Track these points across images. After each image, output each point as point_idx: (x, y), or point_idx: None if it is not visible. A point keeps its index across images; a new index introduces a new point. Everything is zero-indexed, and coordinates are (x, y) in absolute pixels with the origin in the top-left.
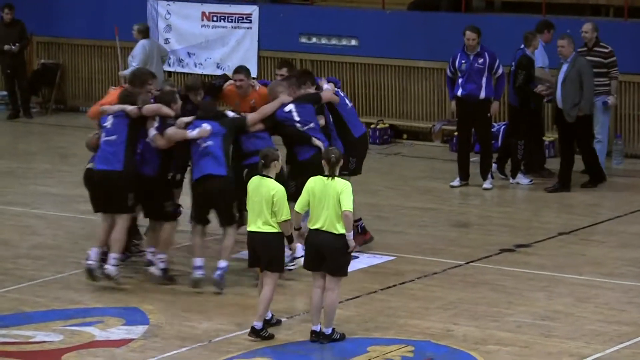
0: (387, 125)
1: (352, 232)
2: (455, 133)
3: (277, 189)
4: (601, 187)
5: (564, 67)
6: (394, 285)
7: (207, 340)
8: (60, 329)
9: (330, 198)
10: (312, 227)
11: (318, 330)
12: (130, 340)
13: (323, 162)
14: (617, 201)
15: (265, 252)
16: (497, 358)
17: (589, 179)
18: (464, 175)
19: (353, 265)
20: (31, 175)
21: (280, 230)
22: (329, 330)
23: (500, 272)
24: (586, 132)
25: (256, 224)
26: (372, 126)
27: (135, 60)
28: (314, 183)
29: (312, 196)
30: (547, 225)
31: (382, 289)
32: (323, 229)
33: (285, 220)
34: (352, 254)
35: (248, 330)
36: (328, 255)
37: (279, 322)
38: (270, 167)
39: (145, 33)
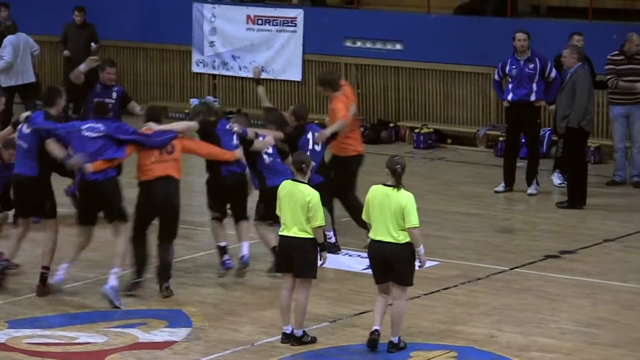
0: (431, 130)
1: (422, 247)
2: (501, 138)
3: (312, 195)
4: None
5: (567, 78)
6: (437, 291)
7: (250, 344)
8: (104, 331)
9: (392, 209)
10: (374, 239)
11: (396, 341)
12: (173, 342)
13: (387, 171)
14: None
15: (300, 258)
16: None
17: (567, 199)
18: (509, 180)
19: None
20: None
21: (314, 236)
22: (397, 339)
23: (544, 279)
24: (574, 147)
25: (291, 229)
26: (416, 131)
27: (5, 55)
28: (374, 193)
29: (371, 207)
30: (592, 232)
31: (425, 294)
32: (386, 240)
33: (319, 226)
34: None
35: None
36: (395, 265)
37: None
38: (304, 172)
39: (13, 29)
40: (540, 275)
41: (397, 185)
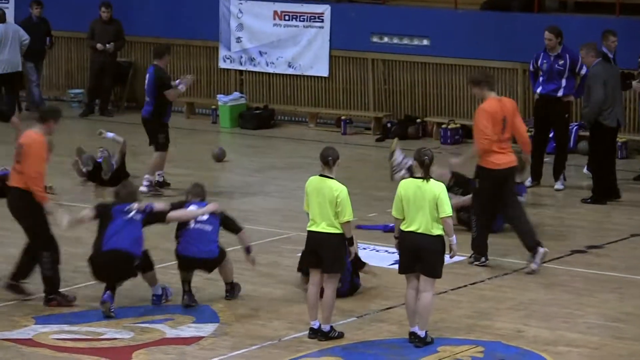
0: (458, 125)
1: (455, 237)
2: (528, 133)
3: (340, 189)
4: None
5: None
6: (464, 286)
7: (277, 339)
8: (131, 326)
9: (425, 201)
10: (406, 230)
11: (416, 331)
12: (200, 338)
13: (415, 163)
14: None
15: (329, 253)
16: (569, 359)
17: (591, 195)
18: (537, 175)
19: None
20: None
21: (342, 232)
22: (424, 333)
23: (571, 274)
24: (595, 143)
25: (319, 224)
26: (443, 126)
27: None
28: (406, 186)
29: (405, 200)
30: (619, 227)
31: (452, 289)
32: (419, 231)
33: (348, 221)
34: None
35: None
36: (425, 256)
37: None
38: (332, 167)
39: (2, 19)
40: (567, 270)
41: (426, 176)
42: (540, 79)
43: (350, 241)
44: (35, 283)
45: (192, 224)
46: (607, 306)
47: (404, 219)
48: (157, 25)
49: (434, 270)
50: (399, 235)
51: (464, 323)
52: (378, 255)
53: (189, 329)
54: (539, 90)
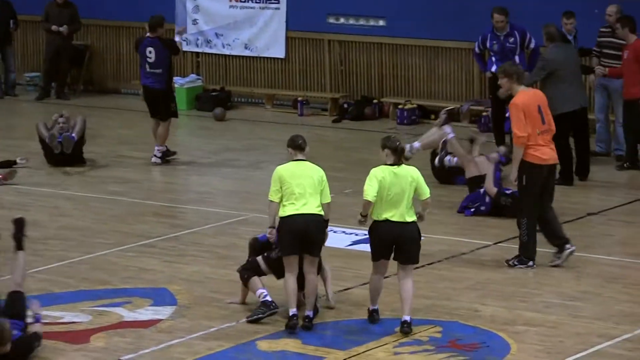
0: (414, 105)
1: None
2: (484, 113)
3: (322, 170)
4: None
5: None
6: (422, 266)
7: (235, 321)
8: (89, 310)
9: (404, 187)
10: (382, 218)
11: (406, 319)
12: (158, 320)
13: (387, 151)
14: None
15: (321, 236)
16: (525, 338)
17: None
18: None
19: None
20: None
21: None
22: (409, 318)
23: None
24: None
25: (310, 206)
26: (400, 107)
27: None
28: (382, 175)
29: (382, 188)
30: (575, 206)
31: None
32: (394, 219)
33: (329, 202)
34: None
35: (281, 309)
36: (403, 245)
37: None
38: (304, 150)
39: None
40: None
41: (399, 162)
42: (493, 58)
43: (327, 223)
44: None
45: None
46: (564, 285)
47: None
48: (113, 8)
49: (414, 257)
50: (373, 225)
51: (422, 303)
52: (336, 237)
53: (147, 312)
54: (493, 69)
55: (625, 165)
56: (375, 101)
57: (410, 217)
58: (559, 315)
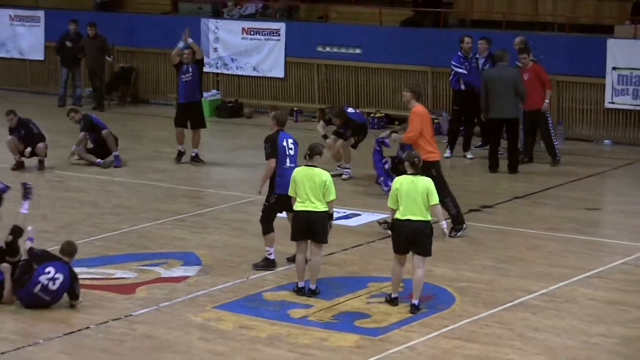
0: (382, 114)
1: (445, 222)
2: (436, 120)
3: (327, 175)
4: (544, 161)
5: None
6: (389, 237)
7: (245, 278)
8: (135, 268)
9: (418, 193)
10: (403, 218)
11: (417, 303)
12: (187, 277)
13: (407, 164)
14: (560, 173)
15: (321, 227)
16: (467, 292)
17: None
18: (453, 147)
19: (358, 221)
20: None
21: (327, 209)
22: (418, 302)
23: (469, 227)
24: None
25: (311, 204)
26: (372, 115)
27: None
28: (401, 182)
29: (399, 193)
30: (505, 191)
31: (379, 239)
32: (415, 219)
33: (332, 200)
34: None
35: (280, 269)
36: (419, 240)
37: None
38: (314, 159)
39: None
40: (466, 224)
41: (417, 172)
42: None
43: (331, 216)
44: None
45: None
46: (496, 252)
47: (397, 209)
48: (152, 38)
49: (427, 250)
50: (396, 223)
51: (388, 265)
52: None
53: (179, 270)
54: (462, 87)
55: (524, 159)
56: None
57: (425, 217)
58: (492, 275)
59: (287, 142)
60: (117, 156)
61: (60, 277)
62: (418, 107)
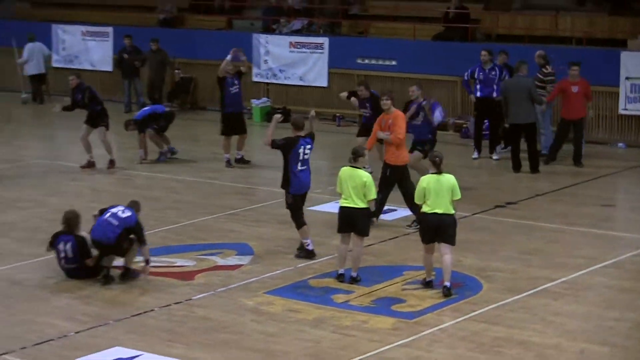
0: None
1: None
2: (464, 125)
3: (367, 177)
4: (565, 163)
5: None
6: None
7: (293, 266)
8: (194, 257)
9: (444, 189)
10: (431, 212)
11: (449, 285)
12: (241, 265)
13: (429, 162)
14: (577, 172)
15: (361, 222)
16: (493, 280)
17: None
18: (480, 149)
19: (394, 215)
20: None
21: (368, 206)
22: (449, 284)
23: (495, 221)
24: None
25: (353, 202)
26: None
27: (23, 56)
28: (428, 180)
29: (427, 190)
30: (527, 189)
31: (413, 233)
32: (441, 212)
33: (373, 199)
34: None
35: (323, 259)
36: (446, 230)
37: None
38: (357, 161)
39: (32, 39)
40: (492, 219)
41: (440, 171)
42: (478, 86)
43: (372, 213)
44: None
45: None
46: (520, 244)
47: (422, 204)
48: (211, 52)
49: (453, 239)
50: (423, 216)
51: (421, 256)
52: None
53: (233, 259)
54: (478, 94)
55: (549, 160)
56: None
57: (450, 211)
58: (515, 265)
59: (304, 149)
60: (164, 152)
61: (128, 212)
62: (399, 111)
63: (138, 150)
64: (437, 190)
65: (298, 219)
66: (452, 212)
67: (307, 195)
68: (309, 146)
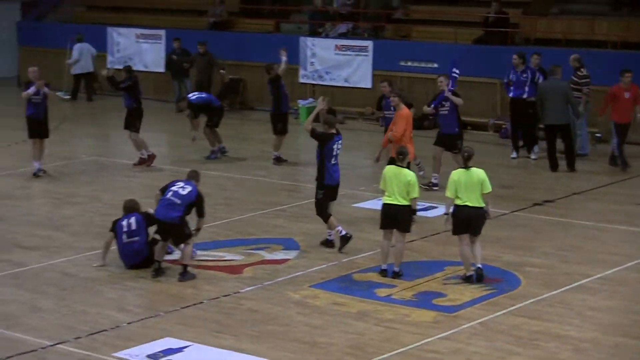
0: None
1: (489, 206)
2: (504, 126)
3: (412, 175)
4: (600, 161)
5: None
6: None
7: (337, 261)
8: (242, 252)
9: (474, 183)
10: (462, 204)
11: (473, 271)
12: (287, 259)
13: (460, 156)
14: (613, 172)
15: (404, 218)
16: (531, 276)
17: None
18: (517, 149)
19: (435, 212)
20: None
21: (410, 204)
22: (481, 265)
23: (533, 219)
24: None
25: (396, 199)
26: None
27: (73, 56)
28: (459, 174)
29: (458, 184)
30: (564, 188)
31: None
32: (471, 205)
33: (415, 198)
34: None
35: (367, 254)
36: (475, 222)
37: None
38: (403, 161)
39: (80, 39)
40: (530, 217)
41: (468, 165)
42: (512, 87)
43: (414, 211)
44: None
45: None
46: (557, 240)
47: (454, 198)
48: (259, 54)
49: (480, 230)
50: (456, 209)
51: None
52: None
53: (280, 254)
54: (511, 95)
55: (624, 166)
56: (430, 117)
57: (480, 204)
58: (553, 261)
59: (337, 145)
60: (215, 150)
61: (188, 187)
62: (405, 110)
63: (191, 131)
64: (468, 183)
65: (324, 213)
66: (482, 204)
67: (338, 190)
68: (340, 142)
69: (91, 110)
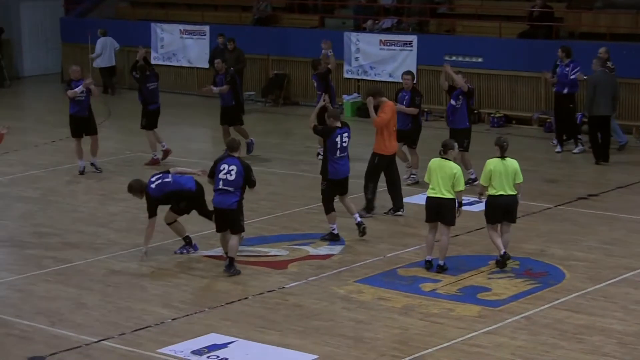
0: (501, 114)
1: (521, 195)
2: (548, 120)
3: (457, 169)
4: None
5: None
6: None
7: (383, 256)
8: (287, 247)
9: (509, 173)
10: (497, 194)
11: (505, 253)
12: (332, 255)
13: (497, 148)
14: None
15: (449, 211)
16: (575, 269)
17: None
18: (562, 142)
19: (480, 207)
20: (267, 146)
21: (455, 197)
22: (506, 252)
23: (577, 213)
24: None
25: (441, 192)
26: (492, 115)
27: (96, 50)
28: (494, 163)
29: (493, 173)
30: (609, 181)
31: None
32: (506, 194)
33: (461, 190)
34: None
35: (411, 248)
36: (510, 210)
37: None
38: (448, 154)
39: (104, 33)
40: (575, 210)
41: (504, 155)
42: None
43: (460, 204)
44: None
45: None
46: (601, 234)
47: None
48: (303, 49)
49: (515, 218)
50: (490, 199)
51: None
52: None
53: (325, 249)
54: (554, 89)
55: None
56: (475, 111)
57: (514, 192)
58: (597, 255)
59: (341, 137)
60: (249, 143)
61: (233, 167)
62: (389, 102)
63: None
64: (503, 173)
65: (328, 205)
66: (515, 193)
67: (347, 183)
68: (345, 134)
69: (131, 105)
